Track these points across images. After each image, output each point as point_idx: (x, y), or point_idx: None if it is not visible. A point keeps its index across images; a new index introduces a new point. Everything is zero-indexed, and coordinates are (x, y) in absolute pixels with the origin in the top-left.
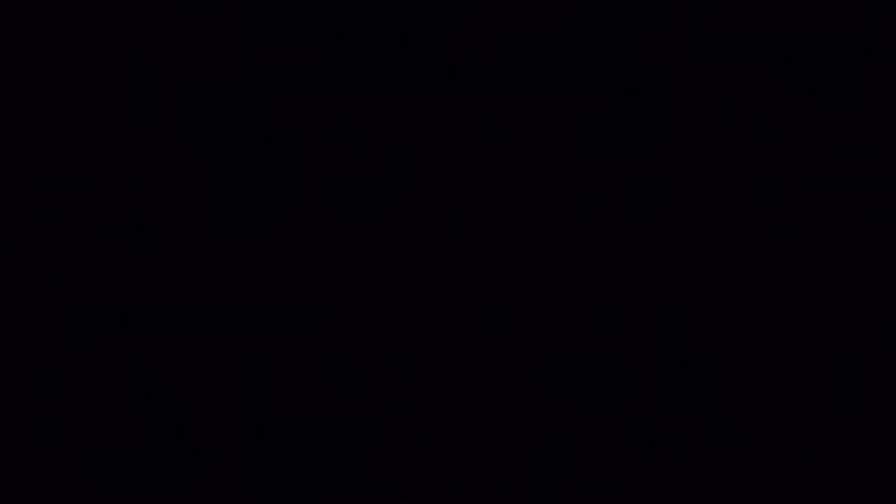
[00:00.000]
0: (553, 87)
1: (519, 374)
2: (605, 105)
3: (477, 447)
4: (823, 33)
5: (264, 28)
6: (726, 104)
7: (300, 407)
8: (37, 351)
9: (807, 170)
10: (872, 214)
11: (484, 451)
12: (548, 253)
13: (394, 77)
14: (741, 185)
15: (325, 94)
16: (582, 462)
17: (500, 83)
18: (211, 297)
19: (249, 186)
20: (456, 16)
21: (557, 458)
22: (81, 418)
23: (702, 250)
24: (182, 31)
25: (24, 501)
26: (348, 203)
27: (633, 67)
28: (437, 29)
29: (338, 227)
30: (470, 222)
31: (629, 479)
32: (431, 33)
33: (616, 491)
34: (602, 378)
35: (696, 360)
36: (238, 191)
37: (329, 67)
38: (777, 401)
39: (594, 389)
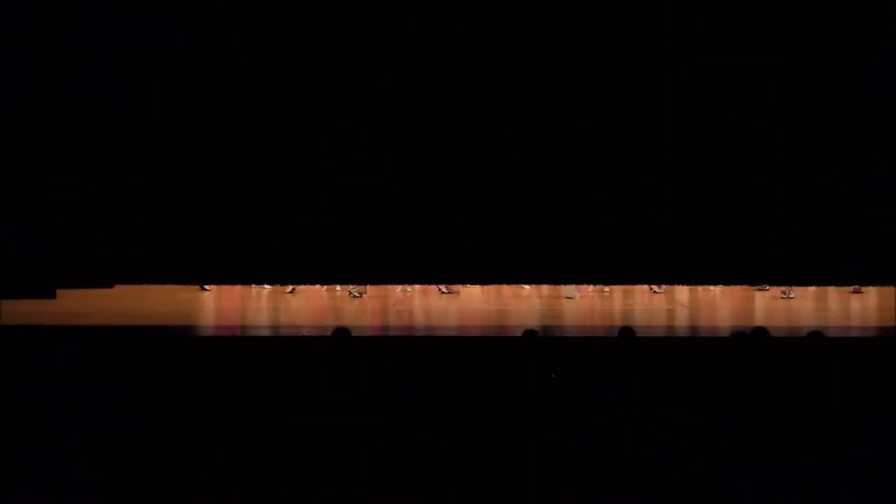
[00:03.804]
0: (553, 88)
1: (519, 374)
2: (605, 105)
3: (477, 447)
4: (823, 33)
5: (264, 28)
6: (726, 104)
7: (300, 407)
8: (37, 351)
9: (807, 170)
10: (872, 214)
11: (484, 451)
12: (547, 253)
13: (394, 77)
14: (741, 184)
15: (324, 94)
16: (582, 462)
17: (500, 83)
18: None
19: (249, 186)
20: (456, 16)
21: (557, 458)
22: (81, 418)
23: (701, 250)
24: (182, 31)
25: (24, 501)
26: (348, 203)
27: (634, 67)
28: (437, 29)
29: (337, 227)
30: (469, 222)
31: (629, 479)
32: (431, 33)
33: (616, 491)
34: (602, 378)
35: (696, 360)
36: (238, 191)
37: (329, 67)
38: (777, 401)
39: (594, 389)
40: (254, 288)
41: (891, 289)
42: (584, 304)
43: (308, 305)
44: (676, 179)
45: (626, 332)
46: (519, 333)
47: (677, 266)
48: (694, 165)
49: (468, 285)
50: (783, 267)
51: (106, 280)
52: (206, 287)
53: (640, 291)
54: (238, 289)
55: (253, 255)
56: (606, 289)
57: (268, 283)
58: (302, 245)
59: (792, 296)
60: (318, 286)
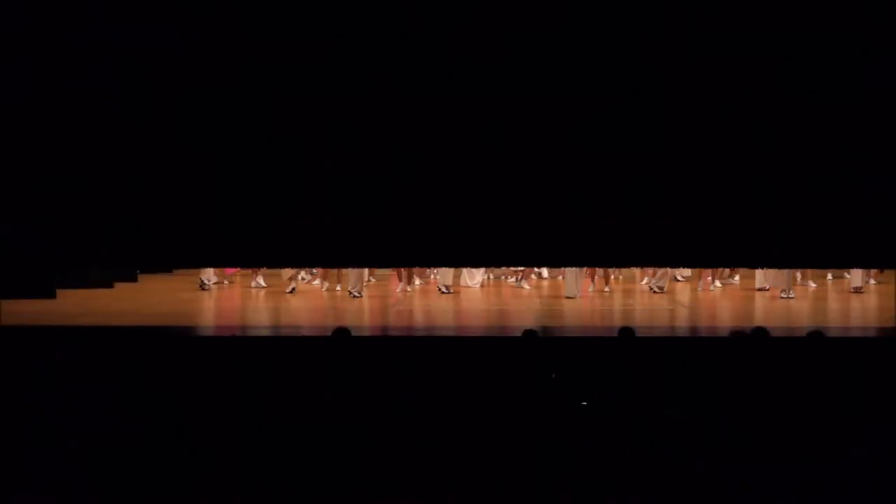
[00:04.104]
0: (553, 88)
1: (519, 374)
2: (605, 105)
3: (477, 447)
4: (823, 33)
5: (264, 28)
6: (726, 103)
7: (300, 407)
8: (37, 351)
9: (807, 170)
10: (872, 214)
11: (484, 451)
12: (547, 250)
13: (394, 77)
14: (741, 184)
15: (325, 93)
16: (582, 462)
17: (500, 83)
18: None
19: (250, 186)
20: (456, 16)
21: (557, 458)
22: (81, 418)
23: (700, 249)
24: (182, 31)
25: (25, 501)
26: (348, 203)
27: (634, 67)
28: (437, 29)
29: (338, 226)
30: (469, 222)
31: (629, 479)
32: (431, 33)
33: (616, 491)
34: (602, 378)
35: (696, 360)
36: (238, 190)
37: (329, 67)
38: (777, 401)
39: (594, 389)
40: (253, 288)
41: (891, 288)
42: (584, 304)
43: (308, 305)
44: (676, 179)
45: (626, 332)
46: (519, 333)
47: (679, 250)
48: (691, 157)
49: (470, 285)
50: (782, 265)
51: (106, 280)
52: (205, 287)
53: (641, 291)
54: (238, 289)
55: (253, 242)
56: (606, 288)
57: (267, 267)
58: (300, 238)
59: (792, 296)
60: (318, 286)
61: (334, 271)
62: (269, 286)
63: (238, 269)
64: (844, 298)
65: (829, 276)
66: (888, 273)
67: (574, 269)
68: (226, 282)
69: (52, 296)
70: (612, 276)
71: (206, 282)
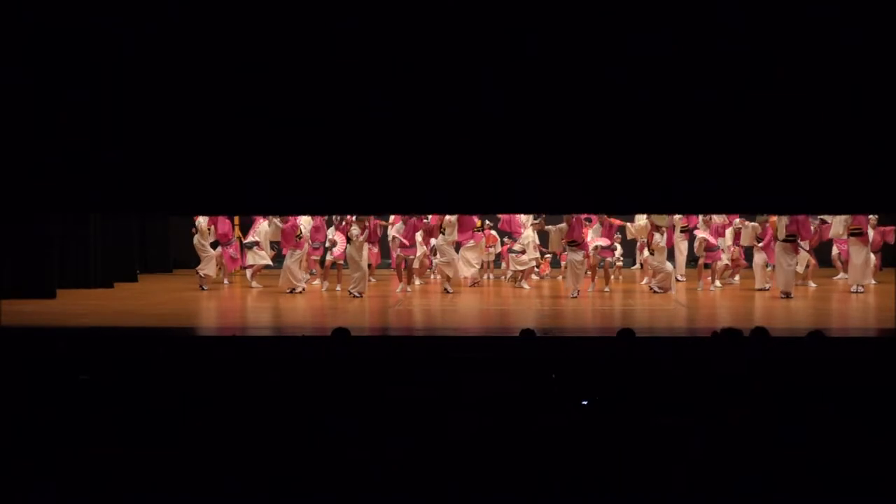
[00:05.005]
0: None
1: (518, 373)
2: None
3: (477, 447)
4: (826, 31)
5: (264, 28)
6: (729, 102)
7: (300, 407)
8: (37, 351)
9: (806, 168)
10: (871, 211)
11: (484, 451)
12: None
13: (394, 77)
14: (741, 182)
15: (325, 91)
16: (582, 462)
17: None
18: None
19: (252, 183)
20: (452, 15)
21: (557, 457)
22: (81, 418)
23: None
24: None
25: (24, 502)
26: (354, 200)
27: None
28: (433, 28)
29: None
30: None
31: (629, 479)
32: (429, 32)
33: (616, 491)
34: (602, 378)
35: (695, 360)
36: (241, 188)
37: (329, 68)
38: (776, 401)
39: (594, 389)
40: (253, 287)
41: (891, 288)
42: (584, 304)
43: (308, 305)
44: (676, 178)
45: (626, 332)
46: (518, 333)
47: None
48: (694, 163)
49: (466, 275)
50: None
51: (106, 281)
52: (205, 287)
53: (641, 291)
54: (238, 289)
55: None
56: (606, 288)
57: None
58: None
59: (791, 296)
60: (318, 286)
61: (334, 271)
62: (268, 286)
63: (237, 267)
64: (844, 298)
65: (840, 276)
66: (888, 273)
67: (574, 268)
68: (225, 281)
69: (52, 296)
70: (612, 277)
71: (204, 276)
